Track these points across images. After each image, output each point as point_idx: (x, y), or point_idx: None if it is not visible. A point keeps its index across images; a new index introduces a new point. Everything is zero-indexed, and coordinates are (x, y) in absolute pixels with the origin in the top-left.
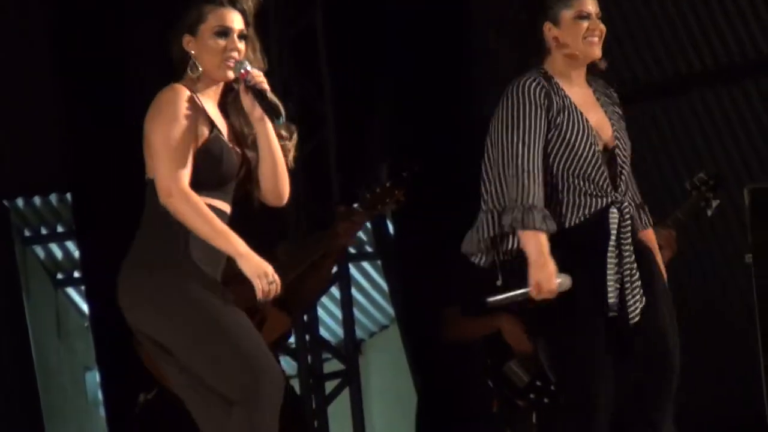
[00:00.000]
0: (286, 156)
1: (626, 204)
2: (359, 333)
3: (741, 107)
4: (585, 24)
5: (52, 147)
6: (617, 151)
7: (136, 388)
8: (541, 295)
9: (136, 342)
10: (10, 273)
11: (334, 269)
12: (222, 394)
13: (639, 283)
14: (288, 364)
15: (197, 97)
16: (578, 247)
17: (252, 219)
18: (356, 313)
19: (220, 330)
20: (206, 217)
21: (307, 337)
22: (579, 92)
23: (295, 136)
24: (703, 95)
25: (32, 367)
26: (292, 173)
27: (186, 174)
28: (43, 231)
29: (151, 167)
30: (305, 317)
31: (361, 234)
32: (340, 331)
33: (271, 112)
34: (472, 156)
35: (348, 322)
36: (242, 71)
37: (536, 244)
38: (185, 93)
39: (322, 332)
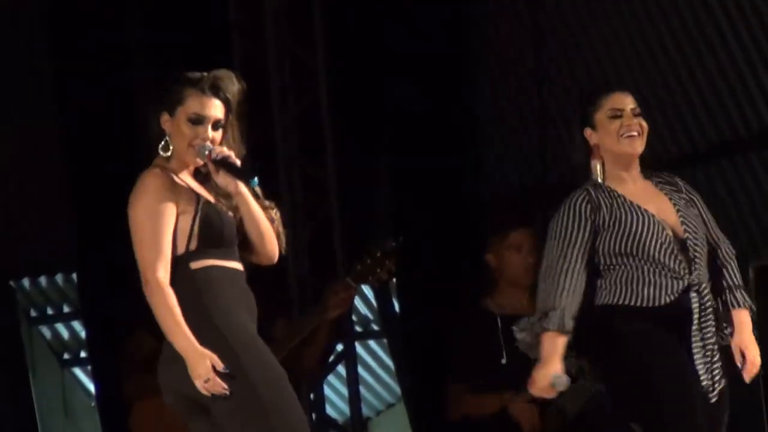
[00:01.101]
0: (272, 221)
1: (704, 285)
2: (366, 411)
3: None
4: (618, 122)
5: (58, 227)
6: (687, 235)
7: None
8: (535, 391)
9: (131, 423)
10: (16, 353)
11: (340, 347)
12: None
13: (719, 364)
14: None
15: (175, 176)
16: (666, 328)
17: (257, 294)
18: (363, 391)
19: (264, 394)
20: (171, 310)
21: (314, 415)
22: (634, 188)
23: (277, 213)
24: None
25: None
26: (297, 250)
27: (162, 262)
28: (49, 311)
29: None
30: (312, 396)
31: (367, 312)
32: (346, 409)
33: (242, 175)
34: (477, 235)
35: (354, 400)
36: (206, 153)
37: (548, 344)
38: (161, 176)
39: (329, 410)
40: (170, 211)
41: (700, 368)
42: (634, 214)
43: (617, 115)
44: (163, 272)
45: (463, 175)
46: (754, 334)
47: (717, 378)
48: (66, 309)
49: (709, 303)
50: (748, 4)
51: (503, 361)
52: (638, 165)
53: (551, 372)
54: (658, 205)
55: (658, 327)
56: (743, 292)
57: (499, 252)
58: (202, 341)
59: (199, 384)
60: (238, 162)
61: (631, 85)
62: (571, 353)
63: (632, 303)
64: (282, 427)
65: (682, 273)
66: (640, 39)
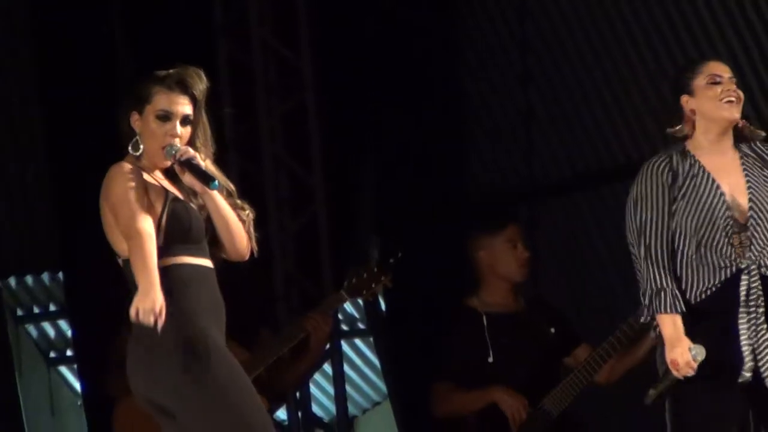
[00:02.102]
0: (246, 224)
1: (754, 268)
2: (352, 409)
3: None
4: (718, 88)
5: (44, 226)
6: (751, 213)
7: None
8: (681, 372)
9: (114, 420)
10: (2, 351)
11: (327, 346)
12: None
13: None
14: None
15: (144, 172)
16: (708, 321)
17: (242, 293)
18: (349, 389)
19: (228, 402)
20: (146, 252)
21: (300, 414)
22: (718, 159)
23: (249, 213)
24: None
25: None
26: (283, 249)
27: (145, 218)
28: (36, 310)
29: (117, 248)
30: (298, 394)
31: (353, 311)
32: (332, 407)
33: (204, 178)
34: (463, 234)
35: (340, 398)
36: (173, 153)
37: (668, 326)
38: (130, 167)
39: (315, 409)
40: (142, 191)
41: (745, 350)
42: (704, 187)
43: (717, 81)
44: (147, 225)
45: (450, 174)
46: None
47: (764, 357)
48: (52, 308)
49: (756, 285)
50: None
51: (490, 359)
52: (731, 135)
53: (686, 347)
54: (735, 180)
55: (705, 325)
56: None
57: (491, 248)
58: (168, 341)
59: (132, 311)
60: (202, 164)
61: (619, 87)
62: None
63: (690, 300)
64: (244, 426)
65: (733, 258)
66: (629, 40)
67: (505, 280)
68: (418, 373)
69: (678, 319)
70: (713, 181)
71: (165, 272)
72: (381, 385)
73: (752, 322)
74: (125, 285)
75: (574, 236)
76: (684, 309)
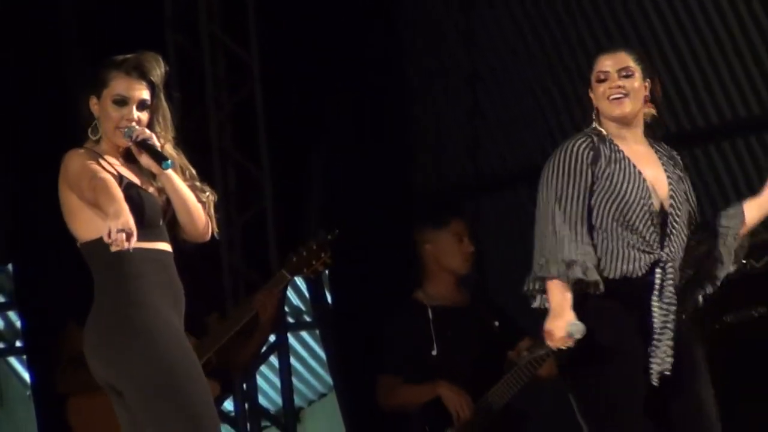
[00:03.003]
0: (206, 206)
1: (670, 265)
2: (298, 401)
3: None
4: (604, 86)
5: None
6: (671, 210)
7: None
8: (555, 344)
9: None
10: None
11: (272, 338)
12: None
13: (670, 344)
14: None
15: (102, 157)
16: (624, 301)
17: (190, 284)
18: (295, 381)
19: (173, 384)
20: (113, 188)
21: (247, 405)
22: (636, 149)
23: (210, 196)
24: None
25: None
26: (230, 241)
27: (105, 175)
28: None
29: (77, 233)
30: (244, 386)
31: (299, 304)
32: (278, 399)
33: (157, 158)
34: (409, 228)
35: (287, 390)
36: (131, 134)
37: (557, 296)
38: (88, 152)
39: (261, 401)
40: (99, 168)
41: (659, 346)
42: (628, 174)
43: (601, 78)
44: (109, 176)
45: (397, 169)
46: None
47: (667, 364)
48: (1, 299)
49: (671, 281)
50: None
51: (434, 352)
52: (641, 127)
53: (566, 321)
54: (655, 172)
55: (622, 303)
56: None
57: (437, 242)
58: (120, 320)
59: (105, 232)
60: (158, 144)
61: (567, 82)
62: None
63: (608, 276)
64: (190, 408)
65: (654, 247)
66: (576, 38)
67: (450, 273)
68: (363, 366)
69: (569, 292)
70: (635, 167)
71: (121, 255)
72: (327, 377)
73: (664, 316)
74: (74, 276)
75: (519, 229)
76: (586, 277)
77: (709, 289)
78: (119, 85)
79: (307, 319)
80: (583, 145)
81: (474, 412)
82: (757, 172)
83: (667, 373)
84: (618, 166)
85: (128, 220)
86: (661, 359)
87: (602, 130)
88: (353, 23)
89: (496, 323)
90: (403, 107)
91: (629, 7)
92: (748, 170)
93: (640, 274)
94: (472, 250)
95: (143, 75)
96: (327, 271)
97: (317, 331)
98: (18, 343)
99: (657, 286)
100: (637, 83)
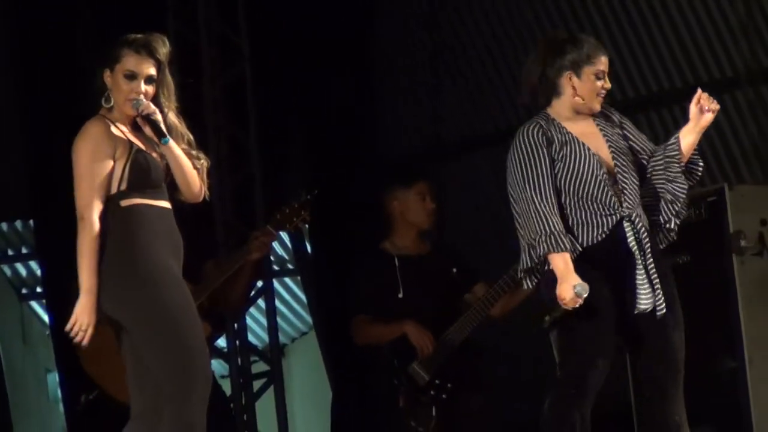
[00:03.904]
0: (201, 172)
1: (636, 215)
2: (282, 339)
3: None
4: (600, 83)
5: (17, 179)
6: (617, 169)
7: (90, 387)
8: (567, 305)
9: (78, 349)
10: None
11: (260, 283)
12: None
13: (658, 281)
14: (220, 366)
15: (114, 124)
16: (597, 263)
17: (189, 237)
18: (279, 321)
19: (170, 321)
20: (90, 250)
21: (237, 342)
22: (579, 125)
23: (203, 160)
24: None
25: (1, 369)
26: (223, 202)
27: (97, 202)
28: (10, 252)
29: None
30: (235, 326)
31: (283, 254)
32: (265, 336)
33: (157, 133)
34: (376, 189)
35: (272, 329)
36: (138, 107)
37: (560, 264)
38: (102, 125)
39: (250, 338)
40: (108, 156)
41: (644, 289)
42: (579, 152)
43: (601, 77)
44: (96, 213)
45: (368, 138)
46: None
47: (660, 299)
48: (24, 250)
49: (643, 228)
50: None
51: (400, 295)
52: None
53: (571, 284)
54: (597, 142)
55: (593, 267)
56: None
57: (404, 199)
58: (126, 266)
59: (70, 325)
60: (160, 120)
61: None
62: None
63: (582, 244)
64: (184, 342)
65: (614, 208)
66: (533, 19)
67: (414, 227)
68: (339, 307)
69: (568, 257)
70: (583, 144)
71: (128, 211)
72: (307, 317)
73: (649, 260)
74: None
75: (476, 190)
76: (571, 248)
77: (677, 206)
78: (130, 61)
79: (290, 266)
80: (535, 130)
81: (436, 347)
82: None
83: (650, 308)
84: (569, 147)
85: (92, 321)
86: (645, 296)
87: (550, 113)
88: (329, 11)
89: (454, 270)
90: (373, 83)
91: None
92: None
93: (605, 236)
94: (433, 207)
95: (151, 53)
96: (307, 225)
97: (299, 278)
98: (39, 289)
99: (631, 237)
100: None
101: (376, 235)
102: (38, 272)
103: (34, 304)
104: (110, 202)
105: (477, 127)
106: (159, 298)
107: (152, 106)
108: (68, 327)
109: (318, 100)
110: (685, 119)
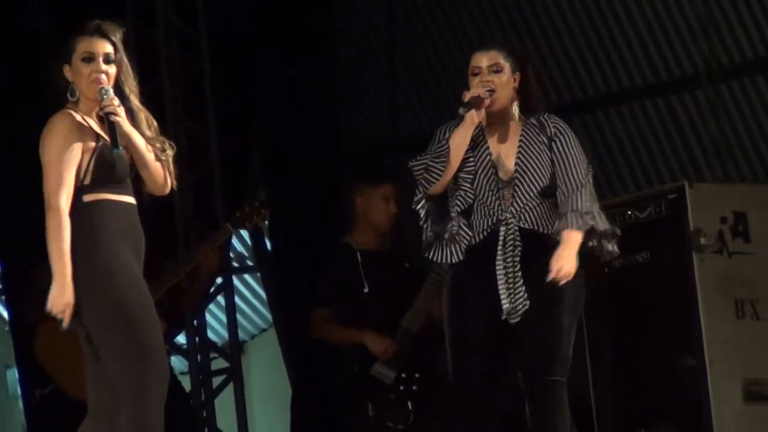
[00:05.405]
0: (165, 163)
1: (512, 221)
2: (242, 335)
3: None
4: (476, 79)
5: None
6: (516, 175)
7: (46, 383)
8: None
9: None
10: None
11: (219, 280)
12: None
13: (522, 289)
14: (180, 363)
15: (81, 117)
16: (476, 255)
17: (149, 232)
18: (239, 318)
19: (127, 319)
20: (61, 236)
21: (197, 339)
22: (497, 127)
23: (168, 150)
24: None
25: None
26: (182, 197)
27: (65, 192)
28: None
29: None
30: (195, 322)
31: (243, 250)
32: (225, 333)
33: (112, 139)
34: (337, 184)
35: (232, 325)
36: (101, 98)
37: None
38: (69, 116)
39: (210, 335)
40: (75, 148)
41: (502, 292)
42: (479, 152)
43: (476, 73)
44: (65, 201)
45: (326, 133)
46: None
47: (519, 301)
48: None
49: (513, 235)
50: None
51: (365, 290)
52: (515, 109)
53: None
54: (508, 145)
55: (470, 265)
56: (575, 216)
57: (368, 198)
58: (86, 263)
59: (52, 309)
60: (120, 120)
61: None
62: None
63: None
64: (141, 341)
65: (497, 210)
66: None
67: (374, 228)
68: (298, 304)
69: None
70: (486, 146)
71: (90, 206)
72: (267, 314)
73: (509, 267)
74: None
75: None
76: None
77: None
78: (84, 45)
79: (250, 263)
80: (444, 127)
81: (397, 338)
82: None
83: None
84: (473, 145)
85: (70, 301)
86: (509, 299)
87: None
88: (288, 4)
89: (406, 264)
90: (332, 78)
91: None
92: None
93: (484, 235)
94: (395, 212)
95: (104, 34)
96: (266, 222)
97: (258, 274)
98: None
99: (501, 241)
100: (506, 78)
101: (334, 232)
102: None
103: None
104: (73, 197)
105: (436, 120)
106: (117, 296)
107: (115, 102)
108: (48, 308)
109: (278, 95)
110: (646, 117)
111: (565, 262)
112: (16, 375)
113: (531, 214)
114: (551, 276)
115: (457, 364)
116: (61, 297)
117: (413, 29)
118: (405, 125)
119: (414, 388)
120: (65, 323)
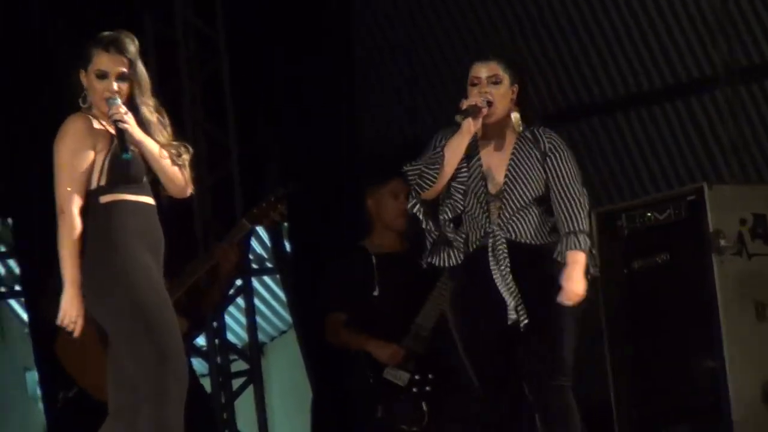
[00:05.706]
0: (183, 167)
1: (499, 233)
2: (261, 337)
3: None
4: (475, 89)
5: None
6: (505, 188)
7: (69, 385)
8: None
9: (57, 347)
10: None
11: (239, 282)
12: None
13: (521, 302)
14: (200, 365)
15: (95, 120)
16: (472, 264)
17: (169, 234)
18: (259, 320)
19: (145, 320)
20: (73, 243)
21: (217, 340)
22: (491, 140)
23: (185, 154)
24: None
25: None
26: (201, 199)
27: (77, 197)
28: None
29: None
30: (215, 324)
31: (262, 252)
32: (245, 335)
33: (121, 146)
34: (357, 185)
35: (252, 327)
36: (110, 107)
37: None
38: (82, 119)
39: (230, 336)
40: (88, 151)
41: (506, 297)
42: (471, 165)
43: (474, 83)
44: (76, 206)
45: (345, 134)
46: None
47: (522, 315)
48: (2, 249)
49: (501, 246)
50: None
51: (375, 293)
52: (508, 120)
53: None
54: (500, 158)
55: (469, 274)
56: (578, 236)
57: (378, 198)
58: (103, 264)
59: (63, 320)
60: (129, 127)
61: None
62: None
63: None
64: (160, 343)
65: (485, 223)
66: (500, 17)
67: (388, 227)
68: (318, 306)
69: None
70: (478, 157)
71: (108, 207)
72: (287, 316)
73: (506, 277)
74: None
75: None
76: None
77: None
78: (100, 61)
79: (269, 265)
80: (439, 135)
81: (409, 339)
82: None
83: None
84: (467, 156)
85: (80, 312)
86: (514, 309)
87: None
88: (309, 7)
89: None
90: (353, 79)
91: None
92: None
93: (475, 247)
94: (406, 207)
95: (120, 51)
96: (286, 224)
97: (278, 276)
98: (17, 287)
99: (490, 253)
100: (504, 89)
101: (354, 233)
102: (16, 270)
103: (13, 303)
104: (90, 198)
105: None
106: (135, 298)
107: (122, 110)
108: (59, 321)
109: (297, 95)
110: (665, 119)
111: (576, 284)
112: (36, 377)
113: (517, 225)
114: (566, 300)
115: (477, 370)
116: (71, 308)
117: (432, 34)
118: (424, 126)
119: (428, 389)
120: (76, 334)
